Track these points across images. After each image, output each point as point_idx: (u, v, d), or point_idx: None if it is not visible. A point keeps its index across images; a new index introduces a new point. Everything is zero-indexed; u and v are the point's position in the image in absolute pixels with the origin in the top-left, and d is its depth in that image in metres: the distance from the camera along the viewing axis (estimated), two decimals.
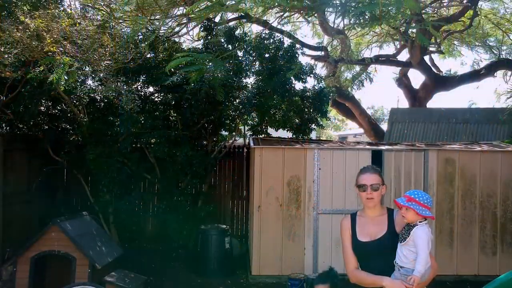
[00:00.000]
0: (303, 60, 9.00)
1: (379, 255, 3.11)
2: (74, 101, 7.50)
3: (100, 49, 5.69)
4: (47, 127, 8.00)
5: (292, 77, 8.04)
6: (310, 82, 18.39)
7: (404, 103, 17.18)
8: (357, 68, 13.94)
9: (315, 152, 7.48)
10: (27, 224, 7.75)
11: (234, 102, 7.86)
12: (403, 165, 7.60)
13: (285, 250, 7.44)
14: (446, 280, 7.32)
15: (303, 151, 7.50)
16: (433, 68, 13.61)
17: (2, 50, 5.25)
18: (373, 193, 3.16)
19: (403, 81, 13.74)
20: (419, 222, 2.96)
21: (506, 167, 7.63)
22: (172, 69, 7.57)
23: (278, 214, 7.45)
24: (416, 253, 2.90)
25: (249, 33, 9.02)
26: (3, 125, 7.82)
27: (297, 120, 8.25)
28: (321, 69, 13.40)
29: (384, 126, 15.29)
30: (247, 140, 9.27)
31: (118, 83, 6.57)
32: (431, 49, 13.40)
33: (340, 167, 7.49)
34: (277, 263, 7.43)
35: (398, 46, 14.64)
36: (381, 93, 59.08)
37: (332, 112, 30.70)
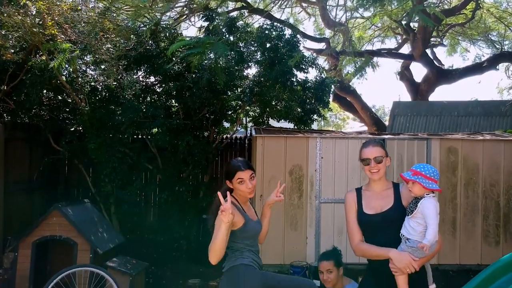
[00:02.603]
0: (305, 53, 8.95)
1: (385, 228, 3.08)
2: (76, 89, 7.47)
3: (101, 33, 5.66)
4: (48, 117, 7.98)
5: (293, 67, 8.01)
6: (312, 73, 18.39)
7: (406, 97, 17.18)
8: (359, 62, 13.91)
9: (317, 141, 7.45)
10: (28, 214, 7.72)
11: (236, 91, 7.83)
12: (406, 154, 7.57)
13: (287, 239, 7.41)
14: (449, 270, 7.29)
15: (305, 140, 7.47)
16: (435, 61, 13.57)
17: (3, 33, 5.23)
18: (377, 165, 3.13)
19: (405, 75, 13.71)
20: (426, 194, 2.93)
21: (509, 156, 7.60)
22: (173, 59, 7.59)
23: (280, 203, 7.39)
24: (425, 224, 2.87)
25: (250, 24, 9.00)
26: (4, 115, 7.81)
27: (299, 109, 8.21)
28: (323, 63, 13.36)
29: (387, 122, 15.27)
30: (248, 132, 9.25)
31: (120, 67, 6.53)
32: (433, 41, 13.37)
33: (342, 156, 7.46)
34: (279, 253, 7.39)
35: (400, 41, 14.61)
36: (382, 92, 59.08)
37: (334, 110, 30.73)
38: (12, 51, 5.64)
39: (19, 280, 5.62)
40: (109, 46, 6.00)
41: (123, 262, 5.78)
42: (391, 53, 13.31)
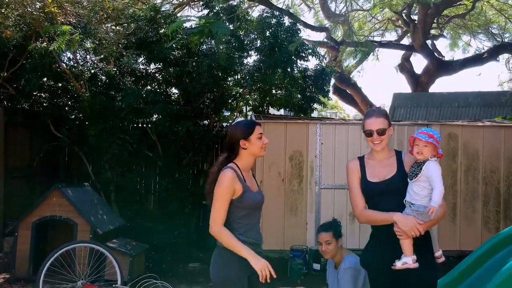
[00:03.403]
0: (305, 42, 8.99)
1: (389, 196, 3.07)
2: (76, 75, 7.48)
3: (101, 12, 5.66)
4: (48, 103, 7.99)
5: (293, 55, 8.00)
6: (312, 62, 18.32)
7: (407, 89, 17.19)
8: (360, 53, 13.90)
9: (317, 126, 7.44)
10: (28, 199, 7.72)
11: (236, 77, 7.83)
12: (406, 140, 7.56)
13: (287, 225, 7.41)
14: (449, 256, 7.27)
15: (305, 125, 7.47)
16: (435, 53, 13.56)
17: (3, 11, 5.23)
18: (379, 137, 3.12)
19: (405, 66, 13.71)
20: (430, 158, 2.94)
21: (509, 143, 7.59)
22: (174, 45, 7.59)
23: (280, 189, 7.41)
24: (429, 188, 2.88)
25: (250, 12, 9.00)
26: (5, 101, 7.82)
27: (299, 96, 8.20)
28: (323, 55, 13.33)
29: None
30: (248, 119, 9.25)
31: (120, 45, 6.53)
32: (433, 32, 13.36)
33: (342, 142, 7.45)
34: (279, 238, 7.39)
35: (400, 33, 14.61)
36: (382, 86, 59.04)
37: (335, 107, 30.72)
38: (11, 29, 5.62)
39: (19, 261, 5.63)
40: (109, 25, 5.97)
41: (123, 243, 5.78)
42: (392, 44, 13.30)
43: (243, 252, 2.81)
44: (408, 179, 3.01)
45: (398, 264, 2.91)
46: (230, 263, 2.88)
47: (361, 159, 3.28)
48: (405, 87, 24.75)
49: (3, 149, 7.14)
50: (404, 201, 3.00)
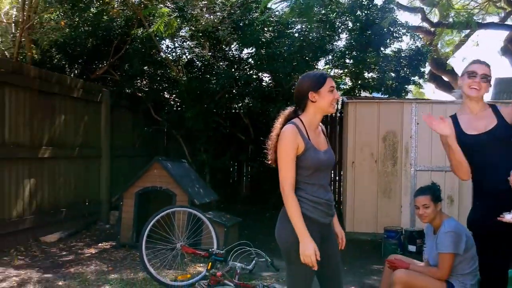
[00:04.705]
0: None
1: (493, 147, 2.90)
2: (173, 61, 7.88)
3: None
4: (148, 88, 8.50)
5: (386, 34, 7.79)
6: (406, 42, 17.62)
7: (510, 74, 15.88)
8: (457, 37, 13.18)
9: (412, 106, 7.17)
10: (130, 178, 8.27)
11: (327, 58, 7.80)
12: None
13: (380, 207, 7.22)
14: None
15: (400, 105, 7.24)
16: None
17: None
18: (480, 83, 2.95)
19: (508, 49, 12.72)
20: None
21: None
22: (265, 28, 7.72)
23: (373, 171, 7.25)
24: None
25: None
26: (110, 84, 8.44)
27: (393, 75, 7.96)
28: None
29: None
30: (339, 105, 9.14)
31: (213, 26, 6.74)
32: None
33: None
34: (371, 221, 7.23)
35: (503, 14, 13.61)
36: None
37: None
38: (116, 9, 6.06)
39: (123, 228, 6.05)
40: (204, 9, 6.22)
41: (218, 215, 5.98)
42: (494, 24, 12.40)
43: (297, 227, 2.56)
44: None
45: (508, 217, 2.72)
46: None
47: (453, 116, 3.12)
48: (508, 72, 22.89)
49: (110, 129, 7.69)
50: None
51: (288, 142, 2.62)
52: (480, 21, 14.16)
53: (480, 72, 2.96)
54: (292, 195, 2.61)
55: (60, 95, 6.64)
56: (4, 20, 9.49)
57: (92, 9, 7.24)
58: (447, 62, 13.09)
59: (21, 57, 7.79)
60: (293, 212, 2.59)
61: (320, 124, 2.88)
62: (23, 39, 7.29)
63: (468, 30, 12.15)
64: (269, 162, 2.81)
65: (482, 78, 2.96)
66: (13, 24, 8.40)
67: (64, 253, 5.90)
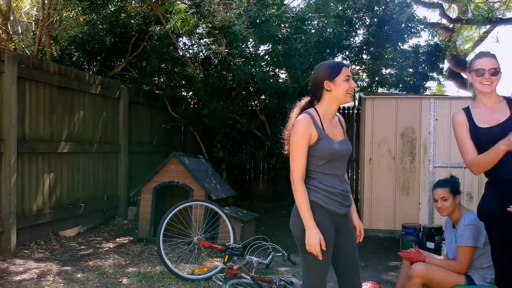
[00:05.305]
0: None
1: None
2: (190, 58, 7.92)
3: None
4: (165, 85, 8.56)
5: (404, 29, 7.72)
6: (424, 38, 17.41)
7: None
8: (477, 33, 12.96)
9: (431, 101, 7.09)
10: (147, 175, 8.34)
11: (344, 53, 7.75)
12: None
13: (398, 204, 7.16)
14: None
15: (418, 100, 7.16)
16: None
17: None
18: (491, 77, 2.90)
19: None
20: None
21: None
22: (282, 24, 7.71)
23: (391, 167, 7.19)
24: None
25: None
26: (128, 81, 8.51)
27: (411, 70, 7.89)
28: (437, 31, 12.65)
29: None
30: (356, 102, 9.09)
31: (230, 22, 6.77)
32: None
33: None
34: (389, 218, 7.16)
35: None
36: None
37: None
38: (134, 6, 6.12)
39: (141, 223, 6.09)
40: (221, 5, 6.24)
41: (235, 210, 5.99)
42: None
43: (304, 217, 2.57)
44: None
45: None
46: (314, 215, 2.60)
47: (467, 109, 3.08)
48: None
49: (128, 125, 7.75)
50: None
51: (301, 132, 2.62)
52: (500, 16, 13.96)
53: (488, 68, 2.91)
54: (301, 185, 2.62)
55: (79, 91, 6.71)
56: (25, 19, 9.68)
57: (110, 6, 7.33)
58: (466, 59, 12.87)
59: (41, 55, 7.91)
60: (300, 202, 2.60)
61: (338, 114, 2.87)
62: (43, 38, 7.41)
63: (488, 26, 11.92)
64: (285, 152, 2.80)
65: (490, 74, 2.91)
66: (33, 23, 8.55)
67: (83, 247, 5.97)
